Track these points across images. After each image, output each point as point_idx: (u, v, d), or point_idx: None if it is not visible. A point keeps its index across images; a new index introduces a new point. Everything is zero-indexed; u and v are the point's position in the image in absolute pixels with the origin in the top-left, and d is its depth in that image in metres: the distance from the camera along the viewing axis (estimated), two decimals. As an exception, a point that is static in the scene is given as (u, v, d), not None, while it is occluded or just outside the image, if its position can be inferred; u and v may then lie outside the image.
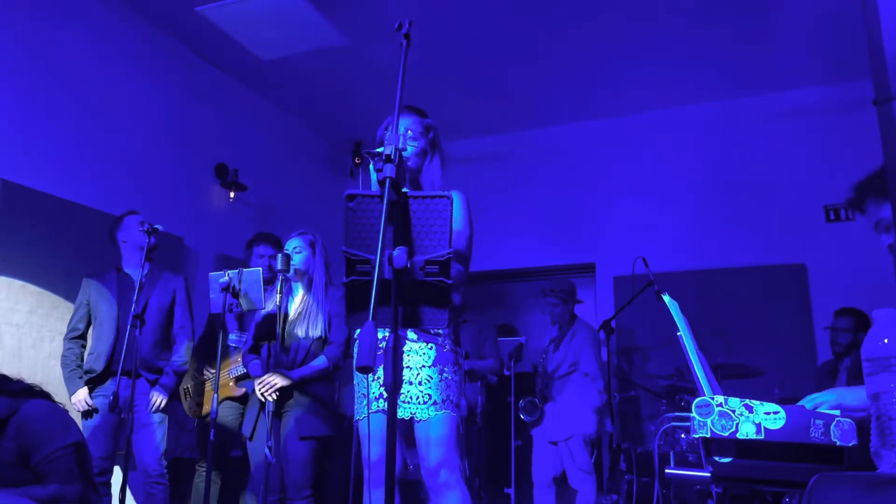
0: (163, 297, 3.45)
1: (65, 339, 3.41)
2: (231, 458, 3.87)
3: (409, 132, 2.25)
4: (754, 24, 4.49)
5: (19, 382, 2.51)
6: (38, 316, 3.65)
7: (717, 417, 1.56)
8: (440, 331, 2.17)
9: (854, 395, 1.53)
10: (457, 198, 2.27)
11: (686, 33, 4.63)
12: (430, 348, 2.14)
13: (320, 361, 3.20)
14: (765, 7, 4.30)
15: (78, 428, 2.51)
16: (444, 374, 2.13)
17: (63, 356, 3.38)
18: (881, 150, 1.25)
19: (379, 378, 2.14)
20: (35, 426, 2.38)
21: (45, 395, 2.53)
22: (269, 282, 3.54)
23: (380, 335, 2.17)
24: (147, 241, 3.26)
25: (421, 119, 2.29)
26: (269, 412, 3.07)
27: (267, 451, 2.92)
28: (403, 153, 2.16)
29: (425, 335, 2.16)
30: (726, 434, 1.55)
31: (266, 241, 3.96)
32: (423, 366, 2.12)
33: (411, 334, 2.15)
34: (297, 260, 3.27)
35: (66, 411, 2.55)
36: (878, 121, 1.24)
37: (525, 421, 4.36)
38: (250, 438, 3.22)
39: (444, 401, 2.10)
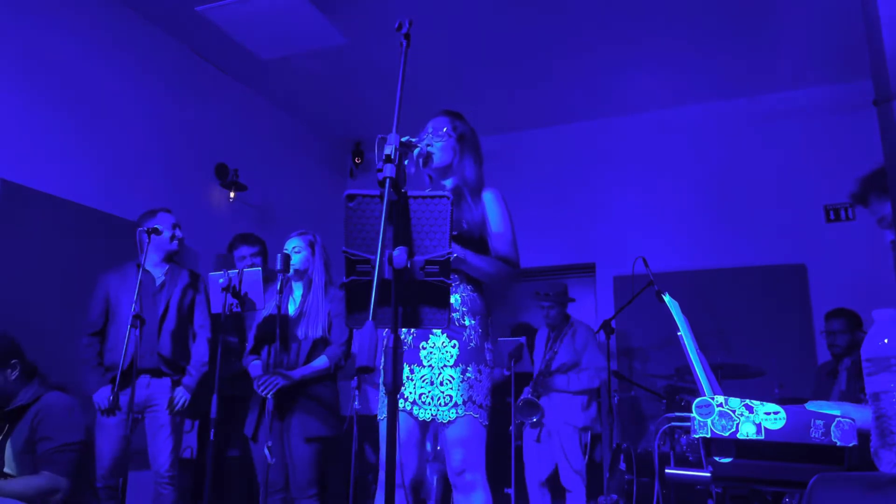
0: (184, 296, 3.45)
1: (83, 334, 3.31)
2: (227, 457, 3.86)
3: (443, 129, 2.26)
4: (754, 25, 4.49)
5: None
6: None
7: (717, 417, 1.56)
8: (467, 322, 2.13)
9: (859, 415, 1.52)
10: (491, 197, 2.27)
11: (686, 33, 4.63)
12: (454, 346, 2.09)
13: (321, 361, 3.20)
14: (764, 7, 4.30)
15: (87, 427, 2.61)
16: (468, 374, 2.08)
17: (83, 352, 3.29)
18: (881, 150, 1.25)
19: (408, 377, 2.12)
20: (54, 415, 2.49)
21: (60, 388, 2.65)
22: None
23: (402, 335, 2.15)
24: (169, 244, 3.38)
25: (451, 119, 2.32)
26: (269, 412, 3.07)
27: (266, 451, 2.92)
28: (430, 149, 2.20)
29: (450, 328, 2.11)
30: (726, 434, 1.55)
31: (245, 241, 3.91)
32: (445, 365, 2.07)
33: (430, 328, 2.10)
34: (297, 260, 3.27)
35: (80, 408, 2.64)
36: (877, 121, 1.25)
37: (525, 423, 4.37)
38: (253, 440, 3.22)
39: (465, 402, 2.05)
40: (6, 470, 2.46)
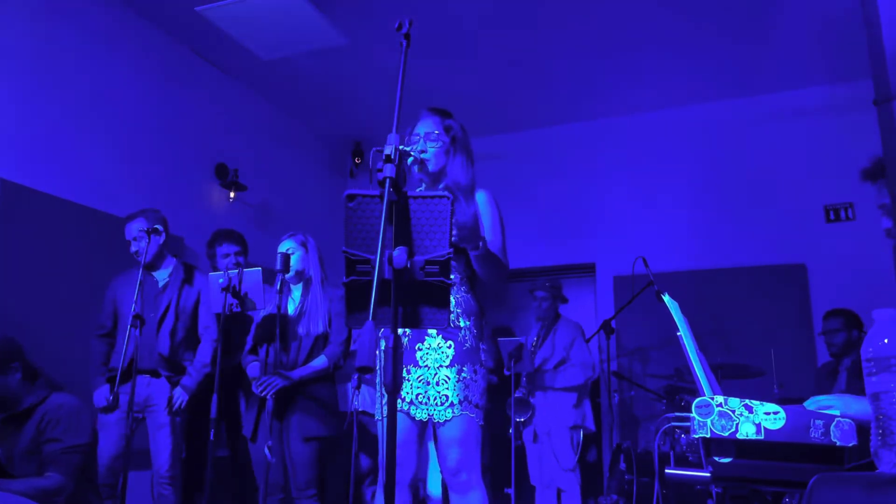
0: (187, 297, 3.44)
1: (92, 336, 3.39)
2: (217, 458, 3.84)
3: (434, 132, 2.22)
4: (754, 24, 4.49)
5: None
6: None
7: (717, 417, 1.56)
8: (462, 323, 2.12)
9: (859, 406, 1.52)
10: (484, 199, 2.23)
11: (686, 33, 4.63)
12: (450, 346, 2.09)
13: (320, 361, 3.21)
14: (765, 7, 4.30)
15: (93, 429, 2.62)
16: (463, 374, 2.08)
17: (91, 353, 3.36)
18: (881, 150, 1.25)
19: (405, 377, 2.11)
20: (64, 418, 2.51)
21: (61, 387, 2.69)
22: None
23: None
24: (143, 245, 3.24)
25: (441, 119, 2.27)
26: (269, 412, 3.07)
27: (266, 451, 2.92)
28: (424, 155, 2.16)
29: (446, 329, 2.10)
30: (726, 434, 1.55)
31: (228, 238, 3.85)
32: (441, 366, 2.08)
33: (430, 328, 2.09)
34: (293, 260, 3.27)
35: (87, 410, 2.68)
36: (877, 121, 1.25)
37: (516, 420, 4.40)
38: (252, 440, 3.22)
39: (461, 402, 2.06)
40: (9, 470, 2.46)
